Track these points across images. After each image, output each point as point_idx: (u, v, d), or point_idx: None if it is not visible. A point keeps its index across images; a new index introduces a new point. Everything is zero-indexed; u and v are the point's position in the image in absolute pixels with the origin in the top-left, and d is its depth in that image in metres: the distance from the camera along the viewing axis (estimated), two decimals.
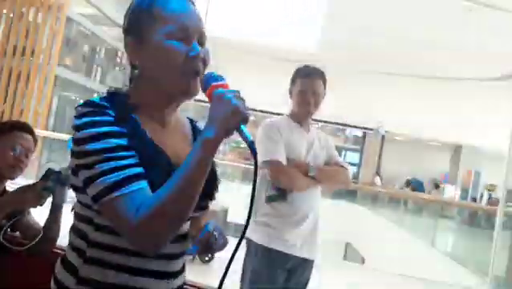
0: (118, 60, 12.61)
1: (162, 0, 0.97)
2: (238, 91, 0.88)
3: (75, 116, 0.91)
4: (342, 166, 2.37)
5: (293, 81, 2.34)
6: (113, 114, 0.90)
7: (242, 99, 0.87)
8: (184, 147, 1.01)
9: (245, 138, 0.87)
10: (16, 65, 7.23)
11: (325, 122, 15.22)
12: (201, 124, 1.10)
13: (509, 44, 7.44)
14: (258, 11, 8.17)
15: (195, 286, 1.74)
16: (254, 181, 0.89)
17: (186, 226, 1.04)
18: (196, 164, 0.84)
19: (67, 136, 9.45)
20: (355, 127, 17.08)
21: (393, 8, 7.77)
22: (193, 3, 1.02)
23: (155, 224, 0.82)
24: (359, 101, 13.87)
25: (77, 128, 0.89)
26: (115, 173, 0.84)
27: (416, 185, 16.50)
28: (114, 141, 0.87)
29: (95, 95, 11.69)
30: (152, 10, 0.96)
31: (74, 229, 0.97)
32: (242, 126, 0.86)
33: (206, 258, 4.27)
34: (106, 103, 0.92)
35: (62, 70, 8.35)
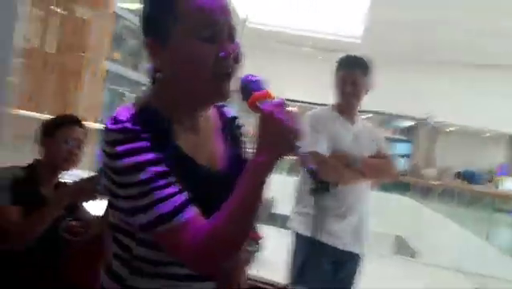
0: None
1: None
2: (284, 102, 0.82)
3: (106, 141, 0.85)
4: (389, 159, 2.30)
5: (336, 72, 2.30)
6: (148, 137, 0.84)
7: (291, 112, 0.80)
8: (217, 149, 0.98)
9: (305, 165, 0.85)
10: (68, 61, 7.49)
11: (374, 112, 14.90)
12: (228, 109, 1.07)
13: None
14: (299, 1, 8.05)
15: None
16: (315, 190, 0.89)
17: None
18: (249, 190, 0.81)
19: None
20: (406, 117, 16.62)
21: None
22: None
23: (213, 251, 0.82)
24: (409, 91, 13.48)
25: (111, 156, 0.84)
26: (164, 204, 0.82)
27: (469, 177, 15.87)
28: (154, 170, 0.82)
29: (143, 87, 11.96)
30: (174, 5, 0.86)
31: (115, 240, 0.94)
32: (298, 148, 0.81)
33: (254, 249, 4.23)
34: (138, 127, 0.84)
35: (111, 64, 8.56)
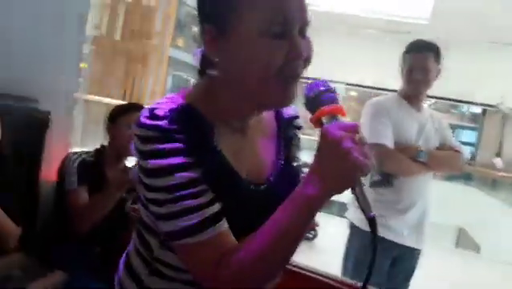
0: None
1: None
2: (358, 126, 0.68)
3: (137, 136, 0.77)
4: (456, 150, 2.21)
5: (403, 57, 2.22)
6: (183, 138, 0.75)
7: (362, 143, 0.67)
8: (265, 158, 0.88)
9: (363, 205, 0.70)
10: (134, 48, 7.75)
11: (439, 98, 14.28)
12: (287, 111, 0.95)
13: None
14: None
15: (296, 266, 1.72)
16: (373, 256, 0.74)
17: None
18: (292, 222, 0.70)
19: None
20: (473, 103, 15.80)
21: None
22: None
23: (240, 283, 0.73)
24: (478, 76, 12.79)
25: (141, 154, 0.76)
26: (189, 216, 0.74)
27: None
28: (185, 176, 0.74)
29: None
30: None
31: (139, 235, 0.90)
32: (359, 188, 0.69)
33: (310, 236, 4.24)
34: (174, 126, 0.75)
35: (175, 51, 8.78)
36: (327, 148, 0.67)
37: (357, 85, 13.26)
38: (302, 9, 0.75)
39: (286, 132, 0.93)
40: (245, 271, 0.72)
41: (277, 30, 0.73)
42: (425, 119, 2.20)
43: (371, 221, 0.70)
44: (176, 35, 9.03)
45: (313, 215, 0.71)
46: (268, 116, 0.92)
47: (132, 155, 1.99)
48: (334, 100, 0.73)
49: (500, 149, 15.63)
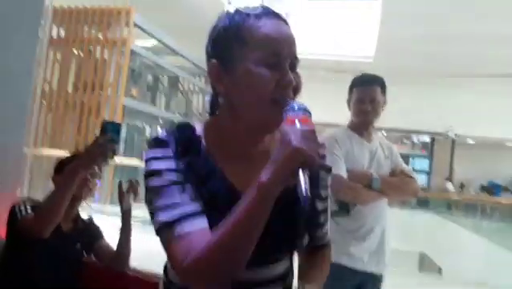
0: (180, 87, 13.07)
1: (253, 20, 0.89)
2: (311, 130, 0.77)
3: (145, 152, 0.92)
4: (409, 176, 2.28)
5: (350, 90, 2.28)
6: (175, 147, 0.88)
7: (312, 140, 0.75)
8: None
9: (299, 187, 0.74)
10: (87, 99, 7.72)
11: (390, 130, 14.81)
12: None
13: None
14: (309, 24, 8.19)
15: None
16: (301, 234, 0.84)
17: (280, 268, 0.96)
18: (246, 209, 0.77)
19: (136, 162, 9.88)
20: (422, 132, 16.46)
21: (456, 5, 7.47)
22: (286, 23, 0.92)
23: (201, 270, 0.79)
24: (425, 106, 13.40)
25: (144, 163, 0.90)
26: (169, 211, 0.83)
27: (493, 190, 15.56)
28: (168, 178, 0.85)
29: (161, 121, 12.15)
30: (242, 33, 0.88)
31: (164, 266, 1.01)
32: (301, 173, 0.74)
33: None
34: (168, 138, 0.89)
35: (129, 100, 8.78)
36: (281, 139, 0.77)
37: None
38: (292, 47, 0.90)
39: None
40: (204, 261, 0.79)
41: (271, 61, 0.86)
42: (375, 147, 2.26)
43: (304, 200, 0.74)
44: (130, 85, 9.04)
45: (267, 202, 0.76)
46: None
47: (84, 199, 1.94)
48: (299, 113, 0.81)
49: (451, 174, 16.26)
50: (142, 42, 8.88)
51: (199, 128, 0.95)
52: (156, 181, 0.86)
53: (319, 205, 1.05)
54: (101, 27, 7.61)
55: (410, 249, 8.46)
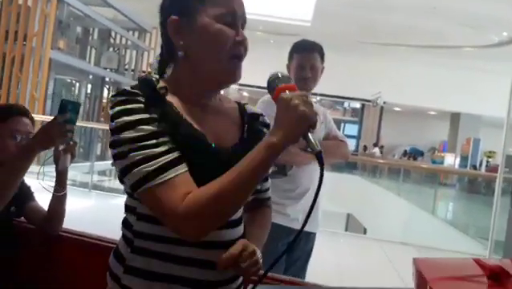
0: (112, 41, 12.50)
1: None
2: (306, 95, 0.85)
3: (109, 107, 0.91)
4: (341, 140, 2.38)
5: (290, 56, 2.30)
6: (143, 99, 0.89)
7: (310, 104, 0.83)
8: (227, 128, 0.98)
9: (312, 146, 0.83)
10: (9, 50, 7.18)
11: (323, 95, 15.19)
12: (251, 107, 1.09)
13: (506, 10, 7.37)
14: None
15: None
16: (318, 189, 0.87)
17: (239, 212, 0.99)
18: (255, 165, 0.82)
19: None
20: (353, 99, 17.05)
21: None
22: None
23: (203, 216, 0.82)
24: (356, 73, 13.82)
25: (111, 118, 0.88)
26: (151, 162, 0.84)
27: (415, 154, 16.58)
28: (146, 128, 0.86)
29: (90, 77, 11.62)
30: None
31: (124, 221, 0.98)
32: (310, 134, 0.83)
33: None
34: (136, 91, 0.90)
35: (56, 53, 8.26)
36: (282, 107, 0.84)
37: (248, 85, 13.60)
38: (243, 8, 0.97)
39: (252, 125, 1.05)
40: (201, 207, 0.81)
41: (228, 20, 0.94)
42: None
43: (319, 155, 0.83)
44: (58, 37, 8.50)
45: (272, 160, 0.83)
46: (230, 106, 1.05)
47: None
48: (288, 81, 0.89)
49: (378, 140, 17.09)
50: None
51: (159, 83, 0.97)
52: (129, 134, 0.85)
53: None
54: None
55: (338, 210, 8.89)
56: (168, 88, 0.95)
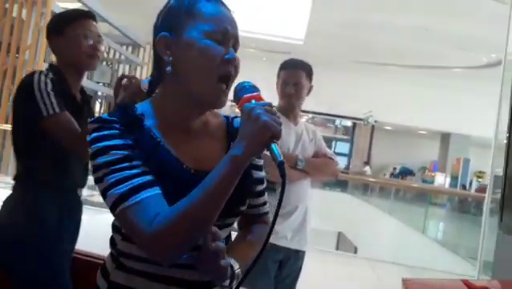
0: (105, 55, 12.50)
1: (203, 3, 0.95)
2: (271, 104, 0.85)
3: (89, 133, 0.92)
4: (330, 158, 2.39)
5: (278, 74, 2.36)
6: (119, 126, 0.90)
7: (274, 113, 0.83)
8: (210, 151, 0.97)
9: (274, 157, 0.82)
10: (2, 62, 7.15)
11: (315, 113, 15.27)
12: (238, 123, 1.05)
13: (495, 31, 7.50)
14: (243, 3, 8.14)
15: None
16: (280, 201, 0.83)
17: (224, 235, 0.98)
18: (219, 180, 0.82)
19: None
20: (345, 117, 17.13)
21: None
22: (230, 11, 1.00)
23: (171, 235, 0.81)
24: (348, 92, 13.91)
25: (89, 144, 0.90)
26: (123, 184, 0.84)
27: (405, 174, 16.63)
28: (119, 153, 0.87)
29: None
30: (193, 9, 0.94)
31: (110, 239, 1.00)
32: (273, 145, 0.82)
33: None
34: (113, 118, 0.91)
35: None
36: (245, 117, 0.84)
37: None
38: (236, 30, 0.96)
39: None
40: (173, 228, 0.81)
41: (218, 37, 0.92)
42: (301, 130, 2.36)
43: (281, 166, 0.82)
44: (51, 50, 8.50)
45: (237, 172, 0.82)
46: (217, 123, 1.04)
47: (93, 68, 1.76)
48: (253, 91, 0.89)
49: (369, 158, 17.14)
50: (65, 4, 8.32)
51: (141, 107, 0.97)
52: (103, 159, 0.87)
53: (254, 174, 1.08)
54: None
55: (329, 228, 8.87)
56: (154, 107, 0.96)
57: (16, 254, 1.57)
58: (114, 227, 0.97)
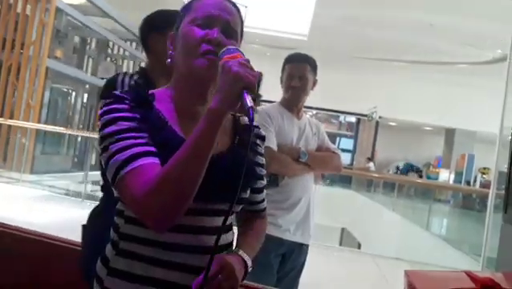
0: (109, 51, 12.52)
1: None
2: (247, 60, 0.88)
3: (99, 108, 0.96)
4: (333, 152, 2.39)
5: (283, 68, 2.36)
6: (129, 101, 0.94)
7: (247, 66, 0.86)
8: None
9: (244, 104, 0.84)
10: (6, 58, 7.18)
11: (319, 109, 15.24)
12: (246, 119, 1.08)
13: (501, 27, 7.45)
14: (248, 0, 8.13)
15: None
16: (247, 148, 0.86)
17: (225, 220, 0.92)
18: (198, 136, 0.84)
19: (59, 129, 9.39)
20: (349, 113, 17.11)
21: None
22: (230, 2, 1.03)
23: (157, 195, 0.83)
24: (353, 88, 13.88)
25: (99, 118, 0.93)
26: (124, 152, 0.87)
27: (408, 170, 16.60)
28: (125, 124, 0.90)
29: (87, 86, 11.61)
30: (191, 4, 1.02)
31: (112, 225, 1.00)
32: (245, 93, 0.84)
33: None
34: (123, 95, 0.95)
35: (53, 62, 8.26)
36: (220, 72, 0.86)
37: None
38: (225, 14, 0.99)
39: (244, 136, 1.05)
40: (154, 191, 0.82)
41: (199, 22, 0.97)
42: (304, 124, 2.36)
43: (249, 111, 0.83)
44: (55, 46, 8.50)
45: (215, 126, 0.85)
46: (227, 121, 1.03)
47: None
48: (234, 52, 0.90)
49: (373, 154, 17.11)
50: (69, 0, 8.34)
51: (158, 92, 1.02)
52: (111, 128, 0.90)
53: (257, 170, 1.09)
54: None
55: (333, 224, 8.86)
56: (168, 95, 1.01)
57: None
58: (117, 212, 0.98)
